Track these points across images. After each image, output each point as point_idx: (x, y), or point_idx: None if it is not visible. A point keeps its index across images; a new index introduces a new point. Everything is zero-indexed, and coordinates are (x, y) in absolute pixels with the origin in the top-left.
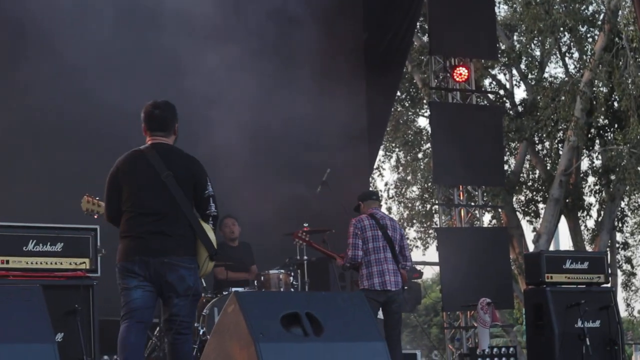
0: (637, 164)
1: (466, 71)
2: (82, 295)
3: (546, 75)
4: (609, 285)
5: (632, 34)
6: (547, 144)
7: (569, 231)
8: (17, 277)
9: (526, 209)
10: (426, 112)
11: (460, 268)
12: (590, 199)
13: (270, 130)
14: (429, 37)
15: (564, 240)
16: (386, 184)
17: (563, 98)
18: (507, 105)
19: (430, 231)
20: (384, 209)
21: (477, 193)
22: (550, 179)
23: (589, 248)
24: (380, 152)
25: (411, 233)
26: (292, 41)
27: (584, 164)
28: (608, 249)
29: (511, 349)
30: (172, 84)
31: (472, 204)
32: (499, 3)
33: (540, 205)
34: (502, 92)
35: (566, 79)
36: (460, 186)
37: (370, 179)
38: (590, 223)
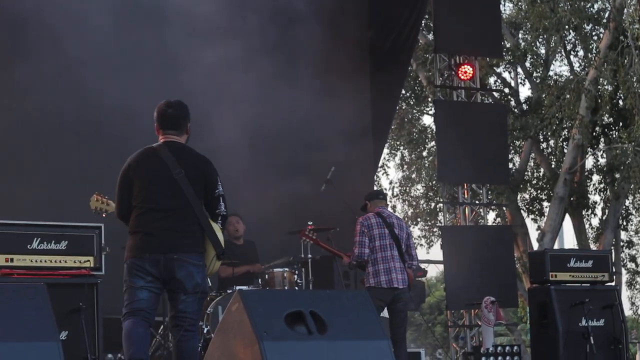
0: None
1: (471, 69)
2: (86, 293)
3: (551, 73)
4: (613, 283)
5: (638, 32)
6: (551, 142)
7: (574, 229)
8: (21, 275)
9: (531, 207)
10: (431, 110)
11: (464, 266)
12: (594, 197)
13: (274, 128)
14: (434, 35)
15: (568, 239)
16: (391, 182)
17: (568, 96)
18: (512, 103)
19: (435, 229)
20: (388, 208)
21: (481, 191)
22: (555, 177)
23: (593, 246)
24: (385, 150)
25: (415, 231)
26: (296, 39)
27: (589, 162)
28: (612, 248)
29: (515, 348)
30: (174, 82)
31: (477, 202)
32: (504, 1)
33: (545, 204)
34: (507, 90)
35: (571, 77)
36: (465, 184)
37: (375, 177)
38: (595, 221)
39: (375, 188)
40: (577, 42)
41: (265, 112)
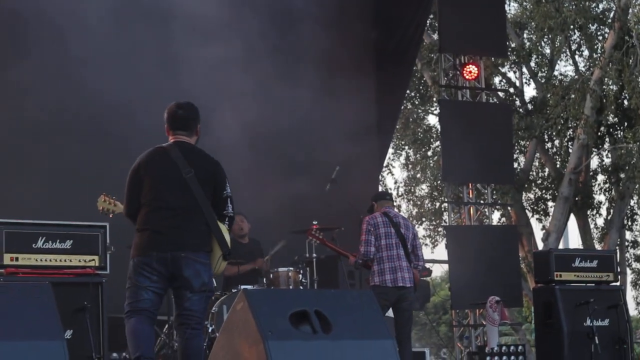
0: None
1: (476, 69)
2: (91, 292)
3: (556, 73)
4: (618, 283)
5: None
6: (556, 142)
7: (578, 229)
8: (26, 275)
9: (535, 207)
10: (436, 109)
11: (469, 266)
12: (599, 197)
13: (278, 128)
14: (439, 35)
15: (573, 239)
16: (396, 182)
17: (573, 96)
18: (517, 103)
19: (440, 229)
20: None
21: (486, 191)
22: (560, 177)
23: (598, 246)
24: (390, 150)
25: (420, 231)
26: (300, 39)
27: (594, 162)
28: (617, 247)
29: (520, 348)
30: (176, 82)
31: (482, 201)
32: (509, 1)
33: (550, 204)
34: (512, 90)
35: (576, 77)
36: (470, 184)
37: (380, 176)
38: (600, 221)
39: (380, 188)
40: (582, 42)
41: (269, 111)
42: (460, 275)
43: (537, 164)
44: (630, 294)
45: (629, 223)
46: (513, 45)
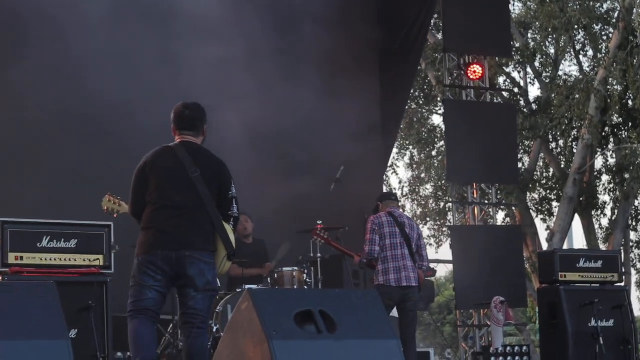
0: None
1: (480, 69)
2: (96, 291)
3: (560, 73)
4: (622, 284)
5: None
6: (561, 142)
7: (583, 230)
8: (31, 274)
9: (540, 208)
10: (440, 109)
11: (473, 266)
12: (604, 198)
13: (281, 128)
14: (443, 35)
15: (577, 239)
16: (400, 182)
17: (577, 96)
18: (521, 103)
19: (444, 229)
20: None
21: (490, 191)
22: (564, 177)
23: (602, 247)
24: (394, 150)
25: (425, 231)
26: (304, 39)
27: (598, 163)
28: (622, 248)
29: (524, 348)
30: (179, 81)
31: (486, 202)
32: (514, 1)
33: (554, 204)
34: (516, 90)
35: (580, 77)
36: (474, 184)
37: (384, 176)
38: (604, 221)
39: (384, 188)
40: (586, 42)
41: (272, 112)
42: (465, 275)
43: (541, 164)
44: (634, 294)
45: (634, 223)
46: (517, 45)
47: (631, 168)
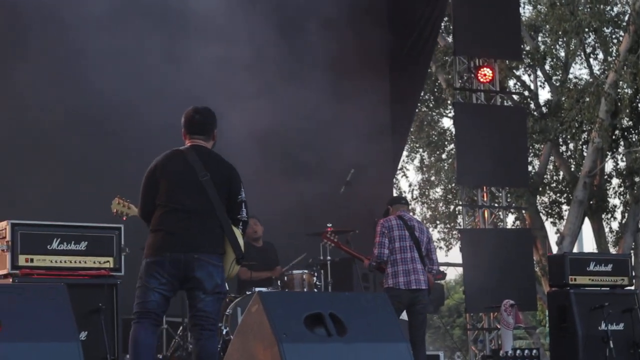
0: None
1: (490, 72)
2: (106, 294)
3: (571, 76)
4: (632, 287)
5: None
6: (571, 145)
7: (593, 233)
8: (41, 276)
9: (550, 211)
10: (450, 112)
11: (483, 269)
12: (614, 201)
13: (291, 130)
14: (453, 38)
15: (587, 242)
16: (410, 185)
17: (587, 99)
18: (532, 106)
19: (454, 232)
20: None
21: (500, 194)
22: (575, 180)
23: (612, 250)
24: (404, 153)
25: (435, 234)
26: (315, 40)
27: (608, 166)
28: (632, 251)
29: (534, 351)
30: (188, 83)
31: (496, 205)
32: (524, 4)
33: (564, 207)
34: (526, 93)
35: (591, 80)
36: (484, 187)
37: (394, 179)
38: (615, 225)
39: (394, 190)
40: (596, 45)
41: (282, 114)
42: (475, 278)
43: (551, 167)
44: None
45: None
46: (528, 48)
47: None
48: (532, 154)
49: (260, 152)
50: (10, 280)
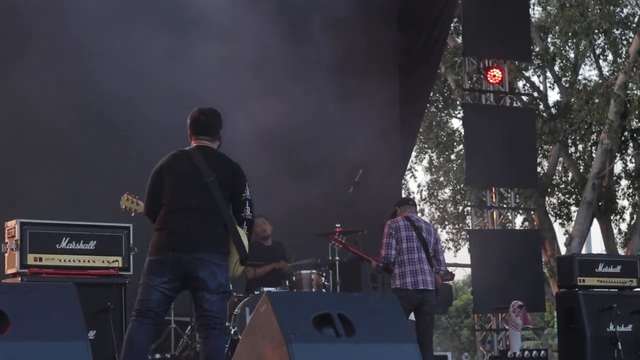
0: None
1: (500, 73)
2: (114, 293)
3: (580, 77)
4: None
5: None
6: (580, 146)
7: (602, 234)
8: (49, 275)
9: (559, 212)
10: (459, 113)
11: (491, 270)
12: (623, 202)
13: (299, 130)
14: (463, 39)
15: (596, 244)
16: (419, 185)
17: (597, 101)
18: (541, 107)
19: (462, 233)
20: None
21: (509, 195)
22: (583, 181)
23: (621, 251)
24: (413, 154)
25: (443, 234)
26: (323, 40)
27: (617, 167)
28: None
29: (542, 352)
30: (193, 81)
31: (505, 205)
32: (533, 5)
33: (573, 208)
34: (535, 94)
35: (600, 81)
36: (493, 188)
37: (403, 180)
38: (623, 226)
39: (402, 191)
40: (606, 46)
41: (289, 113)
42: (483, 279)
43: (560, 168)
44: None
45: None
46: (537, 49)
47: None
48: (541, 155)
49: (268, 152)
50: (19, 279)
